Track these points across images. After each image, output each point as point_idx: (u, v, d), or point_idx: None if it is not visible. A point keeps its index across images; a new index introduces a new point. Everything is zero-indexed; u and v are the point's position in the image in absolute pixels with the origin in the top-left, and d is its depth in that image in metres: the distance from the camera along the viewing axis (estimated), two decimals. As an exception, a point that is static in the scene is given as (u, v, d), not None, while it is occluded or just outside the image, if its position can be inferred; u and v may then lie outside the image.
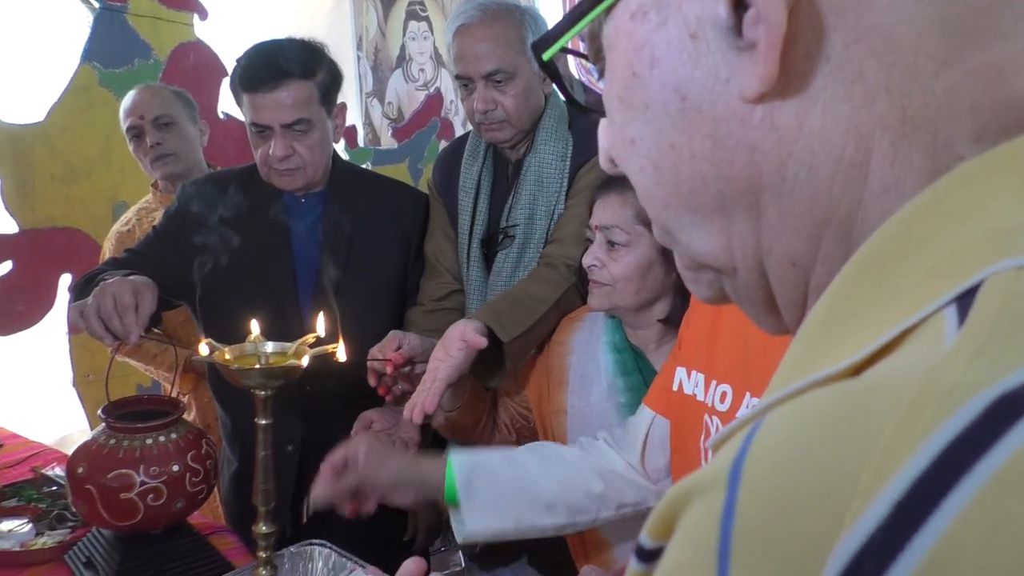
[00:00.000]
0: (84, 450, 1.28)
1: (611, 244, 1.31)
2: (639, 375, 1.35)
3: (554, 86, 1.63)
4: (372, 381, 1.43)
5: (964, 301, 0.22)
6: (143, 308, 1.33)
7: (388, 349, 1.41)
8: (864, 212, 0.30)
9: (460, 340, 1.31)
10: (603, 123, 0.42)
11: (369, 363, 1.41)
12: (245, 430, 1.64)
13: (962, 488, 0.18)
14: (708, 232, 0.36)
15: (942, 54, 0.28)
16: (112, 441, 1.26)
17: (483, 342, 1.32)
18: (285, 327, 1.43)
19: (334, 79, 1.61)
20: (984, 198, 0.26)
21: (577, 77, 3.84)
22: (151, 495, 1.25)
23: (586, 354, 1.42)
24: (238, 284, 1.59)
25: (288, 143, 1.52)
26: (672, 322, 1.33)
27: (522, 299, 1.46)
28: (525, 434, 1.52)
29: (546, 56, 0.39)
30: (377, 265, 1.66)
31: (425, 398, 1.29)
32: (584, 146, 1.63)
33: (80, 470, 1.24)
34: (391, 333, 1.45)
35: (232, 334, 1.19)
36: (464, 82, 1.60)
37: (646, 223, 1.29)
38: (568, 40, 0.38)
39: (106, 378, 1.29)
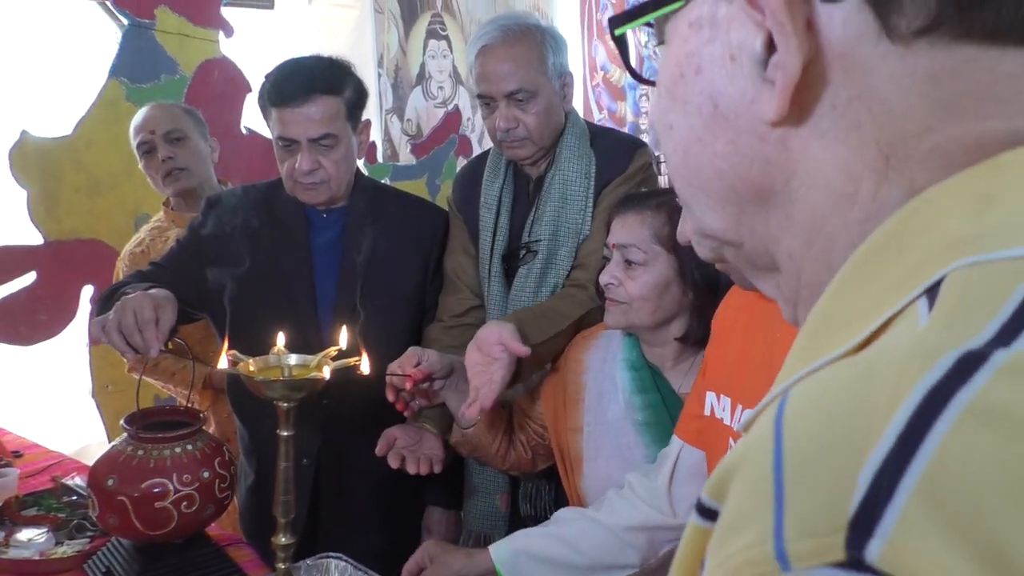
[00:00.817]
0: (110, 461, 1.29)
1: (628, 263, 1.32)
2: (656, 392, 1.35)
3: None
4: (391, 396, 1.43)
5: (932, 293, 0.30)
6: (163, 322, 1.35)
7: (408, 365, 1.41)
8: (848, 233, 0.38)
9: (499, 344, 1.34)
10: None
11: (388, 378, 1.42)
12: (263, 443, 1.65)
13: (943, 420, 0.25)
14: (720, 215, 0.43)
15: (927, 122, 0.35)
16: (140, 452, 1.27)
17: (525, 350, 1.34)
18: (303, 340, 1.44)
19: (360, 96, 1.63)
20: (942, 216, 0.33)
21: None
22: (185, 502, 1.27)
23: (602, 372, 1.42)
24: (259, 297, 1.61)
25: (314, 157, 1.54)
26: (689, 340, 1.33)
27: (547, 312, 1.48)
28: (540, 452, 1.51)
29: (618, 32, 0.45)
30: (396, 280, 1.67)
31: (485, 396, 1.33)
32: (607, 165, 1.64)
33: (110, 482, 1.25)
34: (411, 349, 1.45)
35: (252, 347, 1.20)
36: (486, 101, 1.62)
37: (664, 243, 1.29)
38: (640, 24, 0.44)
39: (137, 389, 1.31)
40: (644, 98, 5.07)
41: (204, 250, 1.62)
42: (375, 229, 1.66)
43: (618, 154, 1.66)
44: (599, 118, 4.72)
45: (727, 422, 1.11)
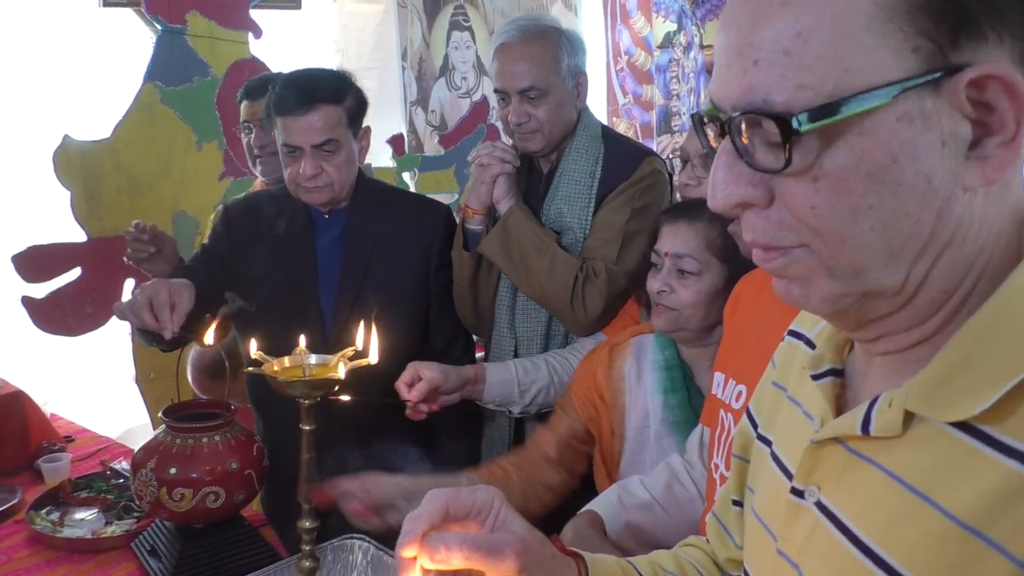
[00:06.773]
0: (149, 450, 1.41)
1: (680, 272, 1.37)
2: (684, 391, 1.42)
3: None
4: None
5: None
6: (179, 307, 1.47)
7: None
8: (987, 273, 0.53)
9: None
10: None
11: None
12: (277, 432, 1.73)
13: None
14: (900, 271, 0.53)
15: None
16: (178, 440, 1.41)
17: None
18: (310, 336, 1.53)
19: (360, 105, 1.71)
20: None
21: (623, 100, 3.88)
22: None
23: (638, 381, 1.47)
24: (269, 297, 1.71)
25: (317, 163, 1.63)
26: None
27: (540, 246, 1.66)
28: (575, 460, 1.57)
29: (820, 124, 0.49)
30: (397, 275, 1.75)
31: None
32: (613, 170, 1.73)
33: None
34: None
35: (263, 343, 1.26)
36: (501, 95, 1.73)
37: (717, 253, 1.34)
38: (838, 120, 0.49)
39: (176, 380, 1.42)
40: (675, 80, 5.05)
41: (224, 255, 1.74)
42: (376, 227, 1.74)
43: (625, 161, 1.74)
44: (624, 102, 4.73)
45: (720, 395, 1.19)
